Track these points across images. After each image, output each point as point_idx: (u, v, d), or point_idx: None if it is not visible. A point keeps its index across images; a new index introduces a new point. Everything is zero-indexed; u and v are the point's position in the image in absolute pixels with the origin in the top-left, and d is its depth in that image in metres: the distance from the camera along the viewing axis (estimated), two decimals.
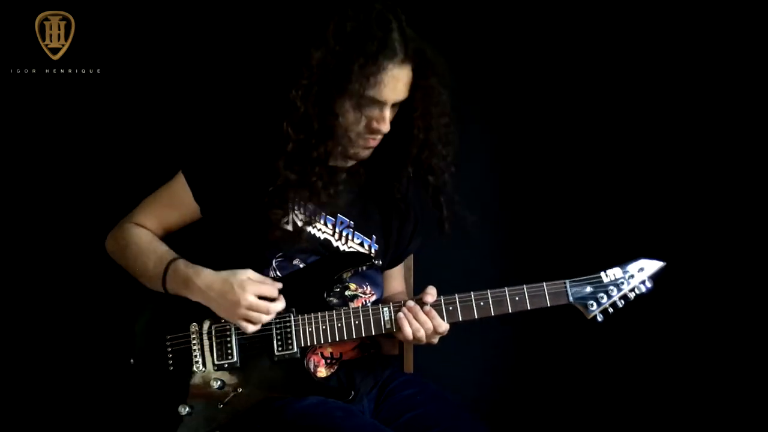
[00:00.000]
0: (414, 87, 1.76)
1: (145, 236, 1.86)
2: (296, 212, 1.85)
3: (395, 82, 1.71)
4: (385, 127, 1.75)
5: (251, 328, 1.74)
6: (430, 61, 1.76)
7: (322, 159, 1.76)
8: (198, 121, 2.25)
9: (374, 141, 1.80)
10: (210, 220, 1.88)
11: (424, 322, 1.72)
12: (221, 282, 1.73)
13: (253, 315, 1.73)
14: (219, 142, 1.89)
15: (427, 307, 1.73)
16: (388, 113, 1.74)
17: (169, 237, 1.89)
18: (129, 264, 1.86)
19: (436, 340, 1.77)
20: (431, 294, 1.74)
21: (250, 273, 1.75)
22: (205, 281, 1.74)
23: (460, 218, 1.89)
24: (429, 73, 1.76)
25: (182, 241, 1.89)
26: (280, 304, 1.76)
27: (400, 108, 1.79)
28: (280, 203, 1.79)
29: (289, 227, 1.83)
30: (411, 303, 1.74)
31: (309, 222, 1.84)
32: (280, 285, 1.77)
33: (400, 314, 1.73)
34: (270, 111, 1.82)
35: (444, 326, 1.73)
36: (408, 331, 1.72)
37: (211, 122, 2.20)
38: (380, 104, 1.73)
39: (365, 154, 1.83)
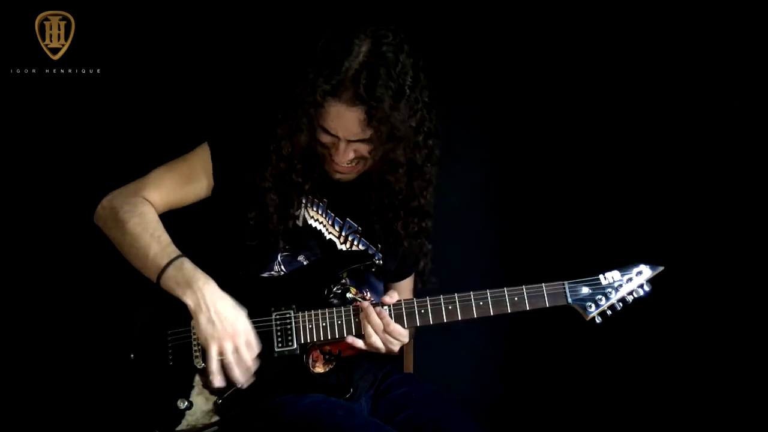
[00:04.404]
0: (371, 129, 1.70)
1: (151, 216, 1.80)
2: (308, 209, 1.87)
3: (341, 121, 1.69)
4: (339, 158, 1.75)
5: (238, 365, 1.71)
6: (387, 108, 1.66)
7: (304, 169, 1.79)
8: (196, 119, 2.26)
9: (339, 167, 1.79)
10: (220, 203, 1.87)
11: (375, 324, 1.72)
12: (229, 306, 1.72)
13: (246, 353, 1.71)
14: (244, 130, 1.87)
15: (379, 308, 1.73)
16: (342, 146, 1.73)
17: (174, 225, 1.86)
18: (124, 240, 1.79)
19: (395, 347, 1.76)
20: (390, 297, 1.76)
21: (245, 313, 1.75)
22: (213, 293, 1.71)
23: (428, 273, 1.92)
24: (385, 121, 1.67)
25: (187, 228, 1.88)
26: (253, 364, 1.74)
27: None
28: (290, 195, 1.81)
29: (299, 222, 1.85)
30: (365, 303, 1.74)
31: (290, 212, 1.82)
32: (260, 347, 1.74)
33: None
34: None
35: (393, 326, 1.72)
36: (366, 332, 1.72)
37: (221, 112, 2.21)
38: (332, 136, 1.73)
39: (338, 176, 1.83)
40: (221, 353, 1.70)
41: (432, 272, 1.97)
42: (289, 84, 1.71)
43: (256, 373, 1.74)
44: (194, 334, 1.77)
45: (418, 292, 1.98)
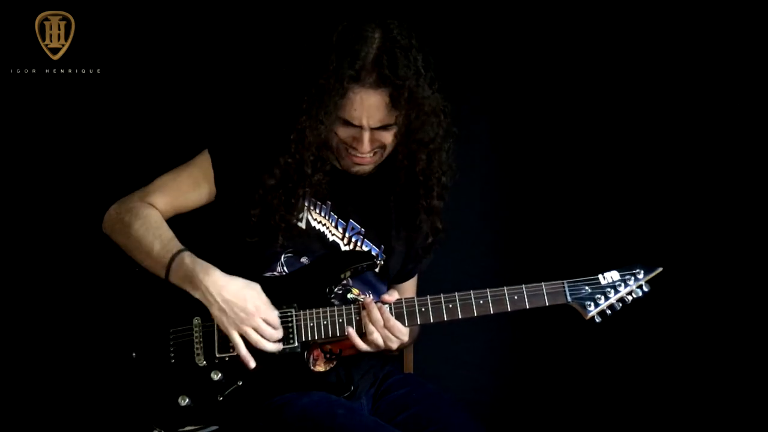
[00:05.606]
0: (397, 111, 1.72)
1: (154, 217, 1.82)
2: (311, 212, 1.88)
3: (366, 107, 1.71)
4: (363, 149, 1.76)
5: (264, 342, 1.74)
6: (413, 86, 1.70)
7: (314, 165, 1.79)
8: (197, 119, 2.27)
9: (361, 158, 1.80)
10: (223, 207, 1.88)
11: (376, 319, 1.73)
12: (236, 290, 1.73)
13: (266, 328, 1.73)
14: (246, 130, 1.89)
15: (379, 304, 1.74)
16: (366, 135, 1.74)
17: (177, 227, 1.86)
18: (130, 243, 1.82)
19: (394, 344, 1.76)
20: (389, 295, 1.77)
21: (259, 287, 1.76)
22: (215, 283, 1.72)
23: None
24: (412, 99, 1.71)
25: (190, 229, 1.88)
26: (280, 332, 1.76)
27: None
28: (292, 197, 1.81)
29: (302, 224, 1.86)
30: (368, 299, 1.76)
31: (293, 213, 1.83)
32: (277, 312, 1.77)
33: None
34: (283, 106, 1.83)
35: (393, 321, 1.73)
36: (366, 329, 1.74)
37: (227, 113, 2.23)
38: (355, 126, 1.74)
39: (357, 169, 1.83)
40: (244, 338, 1.72)
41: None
42: (308, 76, 1.72)
43: (257, 373, 1.75)
44: (196, 332, 1.79)
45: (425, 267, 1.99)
